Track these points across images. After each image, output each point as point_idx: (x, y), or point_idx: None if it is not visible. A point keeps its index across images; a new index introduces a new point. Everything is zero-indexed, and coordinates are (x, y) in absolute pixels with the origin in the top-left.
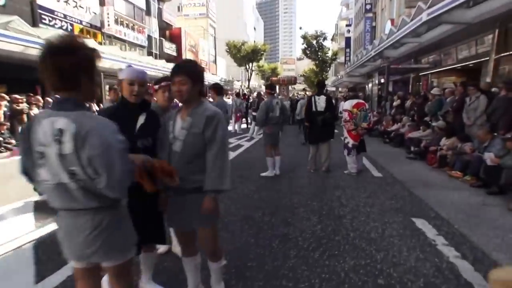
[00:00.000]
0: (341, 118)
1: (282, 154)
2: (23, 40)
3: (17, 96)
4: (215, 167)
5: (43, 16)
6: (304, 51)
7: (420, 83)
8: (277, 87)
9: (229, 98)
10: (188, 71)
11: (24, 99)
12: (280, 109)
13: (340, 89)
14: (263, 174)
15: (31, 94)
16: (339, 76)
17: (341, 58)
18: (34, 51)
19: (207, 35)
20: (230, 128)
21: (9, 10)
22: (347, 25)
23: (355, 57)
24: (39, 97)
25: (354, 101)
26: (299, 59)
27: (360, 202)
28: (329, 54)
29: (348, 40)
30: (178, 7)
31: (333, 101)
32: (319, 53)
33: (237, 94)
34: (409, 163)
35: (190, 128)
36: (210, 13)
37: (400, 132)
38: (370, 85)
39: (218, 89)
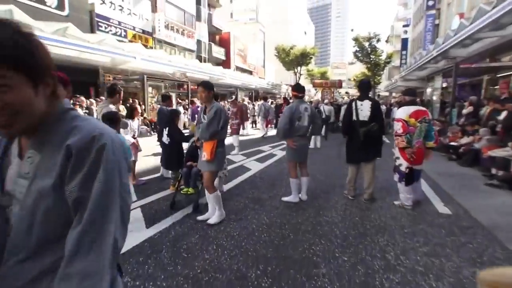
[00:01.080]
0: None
1: (315, 171)
2: (78, 45)
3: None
4: None
5: (99, 23)
6: (355, 54)
7: (497, 87)
8: (320, 90)
9: (267, 102)
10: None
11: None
12: (310, 116)
13: (393, 94)
14: (285, 198)
15: (77, 96)
16: (393, 81)
17: (396, 61)
18: (87, 55)
19: (256, 39)
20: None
21: (71, 19)
22: (404, 26)
23: (413, 59)
24: (83, 98)
25: (412, 108)
26: (351, 63)
27: (418, 261)
28: (383, 56)
29: (405, 41)
30: (231, 14)
31: (382, 107)
32: (372, 56)
33: (265, 98)
34: (492, 194)
35: None
36: (260, 18)
37: (473, 147)
38: (429, 89)
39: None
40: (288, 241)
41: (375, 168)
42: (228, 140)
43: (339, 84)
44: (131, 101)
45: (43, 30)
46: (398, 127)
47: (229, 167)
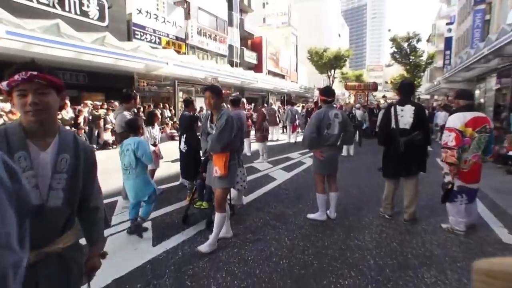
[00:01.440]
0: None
1: (346, 183)
2: (114, 53)
3: (97, 102)
4: None
5: (136, 32)
6: (392, 55)
7: None
8: (353, 94)
9: (298, 106)
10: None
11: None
12: (341, 124)
13: (435, 96)
14: (311, 216)
15: (112, 101)
16: (435, 83)
17: (439, 62)
18: (122, 62)
19: (288, 43)
20: (247, 145)
21: (110, 29)
22: (447, 24)
23: (458, 60)
24: (117, 103)
25: (469, 115)
26: (388, 65)
27: None
28: (424, 57)
29: (448, 40)
30: (264, 19)
31: (426, 112)
32: (411, 57)
33: (292, 103)
34: None
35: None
36: (292, 22)
37: None
38: (478, 91)
39: (233, 101)
40: (310, 271)
41: (418, 184)
42: (254, 147)
43: (373, 86)
44: (151, 107)
45: (83, 40)
46: (450, 138)
47: (253, 176)
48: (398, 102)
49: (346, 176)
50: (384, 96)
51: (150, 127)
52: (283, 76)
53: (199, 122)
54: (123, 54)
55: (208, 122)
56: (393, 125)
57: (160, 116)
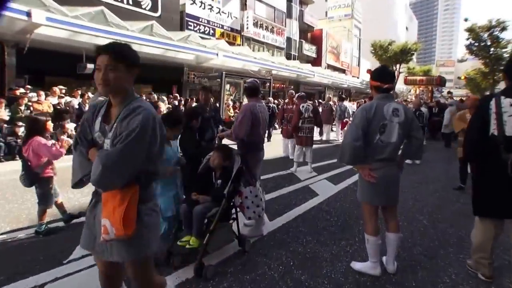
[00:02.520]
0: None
1: (411, 207)
2: (161, 43)
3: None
4: None
5: (189, 22)
6: (468, 47)
7: None
8: (414, 90)
9: (354, 103)
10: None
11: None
12: (403, 125)
13: None
14: (357, 266)
15: (152, 92)
16: None
17: None
18: (171, 53)
19: (351, 36)
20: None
21: (163, 20)
22: None
23: None
24: (155, 95)
25: None
26: (460, 60)
27: None
28: (509, 48)
29: None
30: (326, 12)
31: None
32: (491, 48)
33: (342, 98)
34: None
35: None
36: (356, 14)
37: None
38: None
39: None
40: None
41: None
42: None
43: (438, 80)
44: (193, 99)
45: (128, 29)
46: None
47: (287, 189)
48: (504, 92)
49: (409, 197)
50: (449, 92)
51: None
52: (343, 71)
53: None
54: (171, 44)
55: (98, 120)
56: (492, 130)
57: (163, 109)
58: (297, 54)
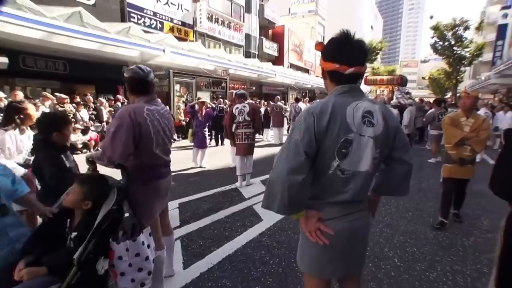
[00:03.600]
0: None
1: (382, 241)
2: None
3: (62, 96)
4: None
5: (132, 14)
6: (433, 46)
7: None
8: (374, 89)
9: (299, 103)
10: None
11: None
12: (382, 140)
13: (480, 95)
14: None
15: (76, 96)
16: (482, 78)
17: (485, 56)
18: (110, 49)
19: (314, 34)
20: None
21: (98, 9)
22: (503, 8)
23: None
24: (90, 97)
25: None
26: (423, 61)
27: None
28: (471, 48)
29: (502, 28)
30: (289, 9)
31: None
32: (455, 48)
33: (297, 99)
34: None
35: None
36: (320, 10)
37: None
38: None
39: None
40: None
41: None
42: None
43: (398, 80)
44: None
45: (45, 15)
46: None
47: (231, 209)
48: None
49: (375, 220)
50: (408, 93)
51: (15, 132)
52: (307, 70)
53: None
54: (106, 38)
55: None
56: None
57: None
58: (257, 53)
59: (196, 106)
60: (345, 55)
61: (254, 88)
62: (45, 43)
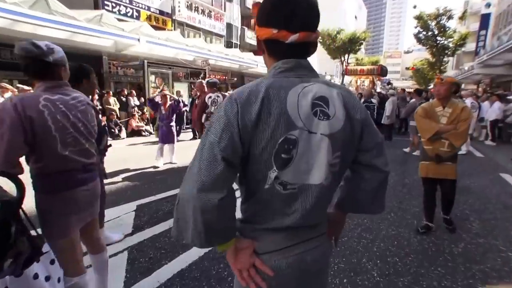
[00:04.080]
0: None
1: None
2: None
3: (24, 87)
4: None
5: (106, 1)
6: (416, 36)
7: None
8: (355, 80)
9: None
10: None
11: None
12: (344, 139)
13: (463, 85)
14: None
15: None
16: (466, 68)
17: (468, 46)
18: (80, 38)
19: None
20: None
21: None
22: None
23: (496, 42)
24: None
25: None
26: (407, 52)
27: None
28: (454, 38)
29: (485, 18)
30: None
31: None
32: (439, 38)
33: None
34: None
35: None
36: None
37: None
38: None
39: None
40: None
41: None
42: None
43: (378, 70)
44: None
45: (5, 1)
46: None
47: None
48: None
49: (354, 223)
50: (389, 83)
51: None
52: None
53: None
54: (75, 26)
55: None
56: None
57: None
58: (239, 43)
59: (158, 99)
60: (286, 16)
61: (235, 79)
62: (8, 32)
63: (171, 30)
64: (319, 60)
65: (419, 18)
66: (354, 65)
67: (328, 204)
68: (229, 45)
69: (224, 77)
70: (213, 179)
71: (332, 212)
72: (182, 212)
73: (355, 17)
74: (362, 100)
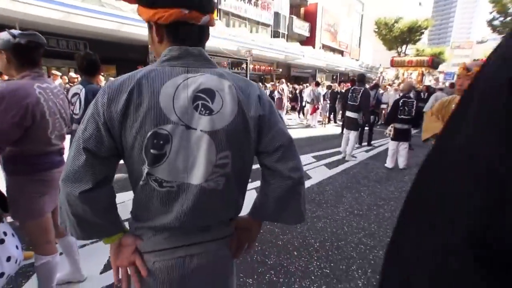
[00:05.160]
0: None
1: None
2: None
3: (73, 75)
4: None
5: None
6: (490, 23)
7: None
8: (402, 72)
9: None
10: None
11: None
12: (230, 137)
13: None
14: None
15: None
16: None
17: None
18: (126, 28)
19: (351, 12)
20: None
21: None
22: None
23: None
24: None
25: None
26: (480, 42)
27: None
28: None
29: None
30: None
31: None
32: None
33: (317, 84)
34: None
35: None
36: None
37: None
38: None
39: None
40: None
41: None
42: None
43: (429, 62)
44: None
45: None
46: None
47: None
48: None
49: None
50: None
51: None
52: (341, 52)
53: None
54: (121, 16)
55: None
56: None
57: None
58: (286, 33)
59: None
60: None
61: (281, 70)
62: (63, 23)
63: (217, 19)
64: (374, 50)
65: (495, 1)
66: (412, 55)
67: (223, 208)
68: (276, 34)
69: (269, 68)
70: (75, 170)
71: (243, 217)
72: (60, 200)
73: (419, 3)
74: (400, 95)
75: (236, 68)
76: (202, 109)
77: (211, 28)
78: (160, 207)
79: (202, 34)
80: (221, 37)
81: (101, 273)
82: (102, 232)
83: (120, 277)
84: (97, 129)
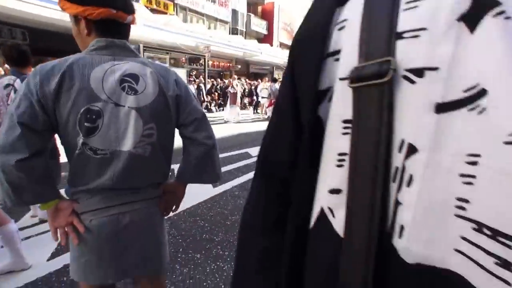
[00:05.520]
0: None
1: None
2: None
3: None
4: None
5: None
6: None
7: None
8: None
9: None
10: None
11: None
12: (154, 113)
13: None
14: None
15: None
16: None
17: None
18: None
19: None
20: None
21: None
22: None
23: None
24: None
25: None
26: None
27: None
28: None
29: None
30: None
31: None
32: None
33: (274, 80)
34: None
35: None
36: None
37: None
38: None
39: None
40: None
41: None
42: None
43: None
44: None
45: None
46: None
47: None
48: None
49: None
50: None
51: None
52: None
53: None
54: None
55: None
56: None
57: None
58: (245, 30)
59: None
60: None
61: (239, 66)
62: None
63: (173, 14)
64: None
65: None
66: None
67: (151, 172)
68: (234, 32)
69: (228, 64)
70: (10, 141)
71: (169, 182)
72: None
73: None
74: None
75: (194, 64)
76: (129, 90)
77: (167, 23)
78: (96, 171)
79: (125, 29)
80: (179, 33)
81: (48, 260)
82: (38, 198)
83: (59, 236)
84: (30, 106)
